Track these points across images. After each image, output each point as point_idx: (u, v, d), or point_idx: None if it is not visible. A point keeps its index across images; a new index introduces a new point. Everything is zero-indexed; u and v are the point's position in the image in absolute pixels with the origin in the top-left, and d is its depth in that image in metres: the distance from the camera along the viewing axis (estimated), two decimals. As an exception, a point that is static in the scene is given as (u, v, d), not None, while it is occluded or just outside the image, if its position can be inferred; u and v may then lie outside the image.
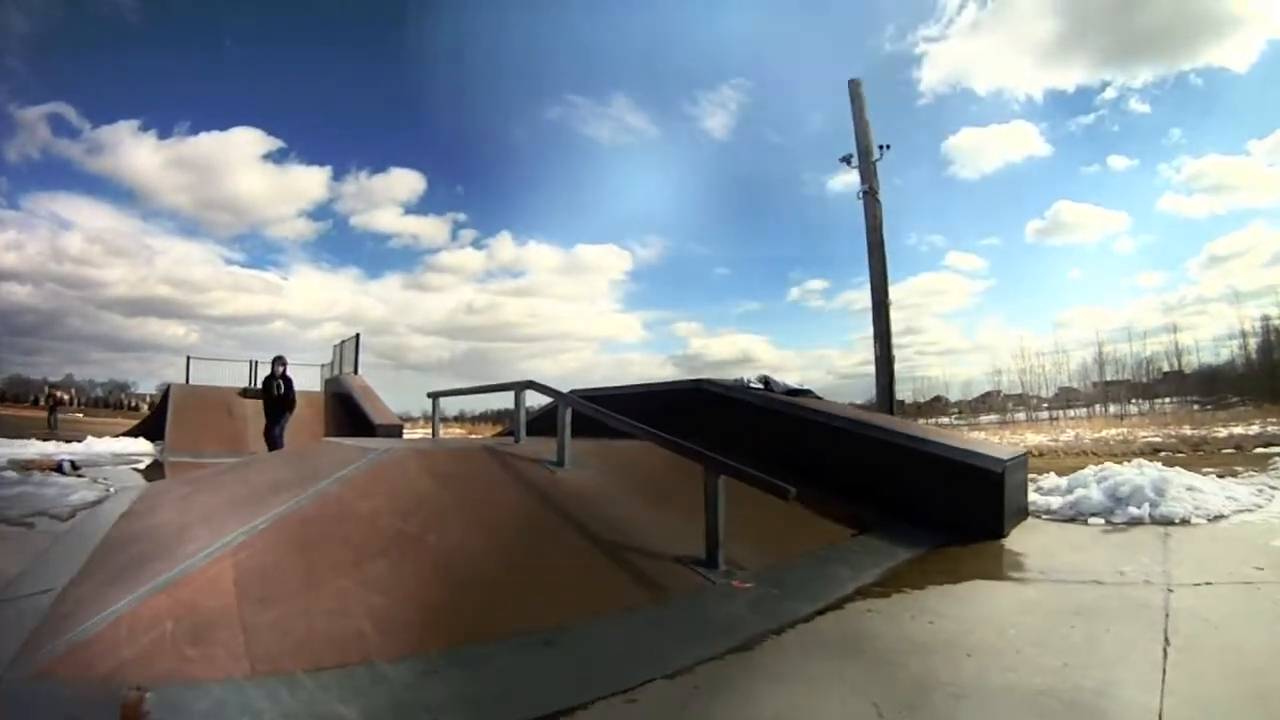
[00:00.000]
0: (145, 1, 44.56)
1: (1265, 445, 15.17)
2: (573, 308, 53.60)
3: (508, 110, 52.62)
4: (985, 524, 6.96)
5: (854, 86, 19.68)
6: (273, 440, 13.61)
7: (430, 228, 49.54)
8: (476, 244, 53.00)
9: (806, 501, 6.74)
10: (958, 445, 7.77)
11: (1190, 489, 7.50)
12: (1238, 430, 18.22)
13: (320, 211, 51.77)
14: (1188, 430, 19.29)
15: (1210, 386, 31.51)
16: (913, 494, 7.46)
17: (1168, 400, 31.53)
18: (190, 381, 23.65)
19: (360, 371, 24.97)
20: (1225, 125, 45.19)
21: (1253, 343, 31.93)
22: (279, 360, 14.16)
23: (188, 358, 25.07)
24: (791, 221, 55.40)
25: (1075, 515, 7.51)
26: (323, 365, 28.61)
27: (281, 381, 14.00)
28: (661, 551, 5.46)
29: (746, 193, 56.93)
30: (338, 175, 53.28)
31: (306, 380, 26.65)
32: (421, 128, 55.01)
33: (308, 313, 52.04)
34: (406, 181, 50.59)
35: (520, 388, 8.34)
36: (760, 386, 9.87)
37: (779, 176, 55.75)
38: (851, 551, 6.40)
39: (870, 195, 19.02)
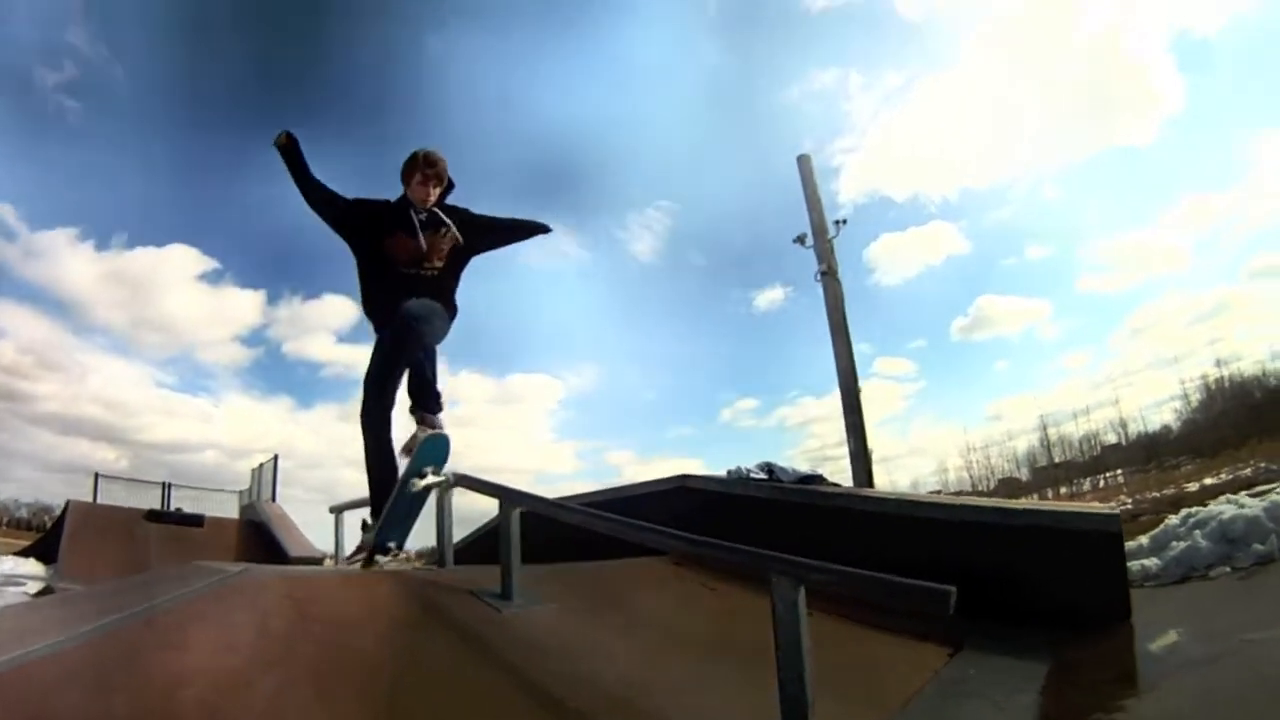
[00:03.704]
0: (87, 104, 43.68)
1: (1247, 487, 14.52)
2: (507, 439, 52.00)
3: None
4: (1106, 604, 5.24)
5: (803, 163, 19.20)
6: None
7: (364, 357, 47.62)
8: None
9: (861, 618, 5.12)
10: (1049, 509, 6.50)
11: None
12: (1209, 481, 17.83)
13: (253, 337, 51.41)
14: (1155, 494, 18.79)
15: (1151, 452, 31.52)
16: (1001, 582, 5.97)
17: (1118, 472, 31.39)
18: (99, 501, 21.82)
19: (280, 499, 23.77)
20: (1136, 200, 47.84)
21: (1195, 399, 32.91)
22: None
23: (95, 475, 23.29)
24: (719, 341, 56.32)
25: (1187, 573, 6.24)
26: (240, 491, 26.66)
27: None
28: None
29: (674, 315, 57.82)
30: (272, 299, 51.93)
31: (222, 508, 25.34)
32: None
33: (238, 442, 50.32)
34: (339, 308, 49.46)
35: (446, 486, 6.22)
36: (764, 476, 8.07)
37: (706, 297, 56.79)
38: (970, 682, 4.48)
39: (829, 275, 18.20)
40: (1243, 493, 10.18)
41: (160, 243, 45.92)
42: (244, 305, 49.53)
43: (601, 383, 55.00)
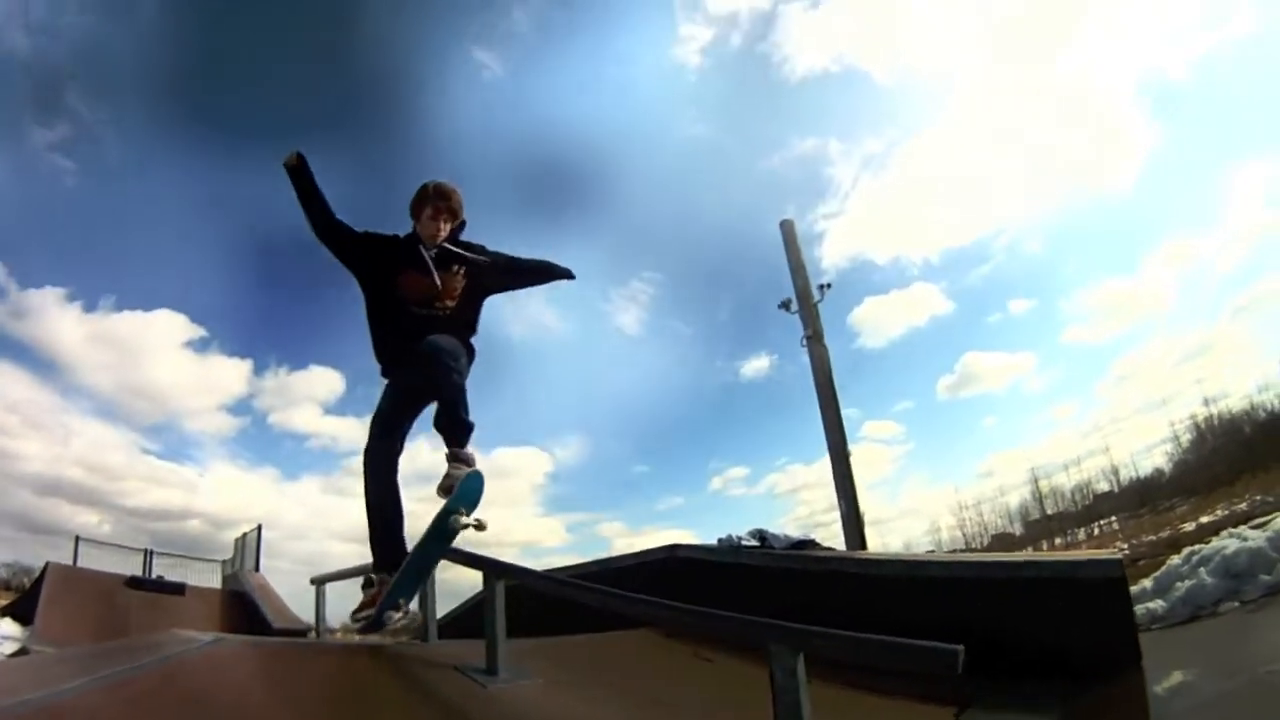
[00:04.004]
0: (82, 165, 44.34)
1: (1245, 521, 14.42)
2: (494, 513, 50.80)
3: None
4: (1114, 651, 5.05)
5: (786, 227, 19.32)
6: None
7: (350, 429, 47.73)
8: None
9: (862, 683, 4.85)
10: (1050, 559, 6.35)
11: None
12: (1205, 520, 17.85)
13: (240, 407, 50.29)
14: (1152, 537, 18.66)
15: (1144, 497, 31.35)
16: (1005, 636, 5.81)
17: (1112, 519, 31.15)
18: (79, 564, 21.05)
19: (264, 570, 23.38)
20: (1115, 247, 48.61)
21: (1185, 440, 32.83)
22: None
23: (76, 538, 22.68)
24: (708, 411, 56.07)
25: (1195, 611, 6.14)
26: (223, 561, 26.27)
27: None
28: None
29: (662, 385, 57.52)
30: (258, 370, 51.55)
31: (204, 577, 24.95)
32: (341, 325, 53.92)
33: (223, 512, 49.06)
34: (326, 380, 49.20)
35: (479, 529, 5.90)
36: (755, 544, 7.89)
37: (693, 366, 56.73)
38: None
39: (814, 340, 18.16)
40: (1242, 526, 10.11)
41: (148, 307, 45.92)
42: (231, 374, 49.29)
43: (590, 455, 54.75)
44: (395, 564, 4.38)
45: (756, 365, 52.29)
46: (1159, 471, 33.18)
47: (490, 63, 49.16)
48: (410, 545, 4.54)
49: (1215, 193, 49.14)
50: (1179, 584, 6.70)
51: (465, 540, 4.66)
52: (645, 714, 4.57)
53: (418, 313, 4.51)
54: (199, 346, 48.55)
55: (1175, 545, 15.05)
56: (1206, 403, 32.26)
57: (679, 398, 58.64)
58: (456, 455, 4.41)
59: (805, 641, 3.18)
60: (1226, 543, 7.00)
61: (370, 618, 4.34)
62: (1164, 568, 7.34)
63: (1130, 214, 48.43)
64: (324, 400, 51.08)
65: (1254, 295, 41.14)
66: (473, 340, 4.73)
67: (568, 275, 5.12)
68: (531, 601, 5.15)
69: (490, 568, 5.02)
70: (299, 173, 4.42)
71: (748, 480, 53.58)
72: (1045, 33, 50.52)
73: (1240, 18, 43.93)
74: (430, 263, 4.55)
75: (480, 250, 4.76)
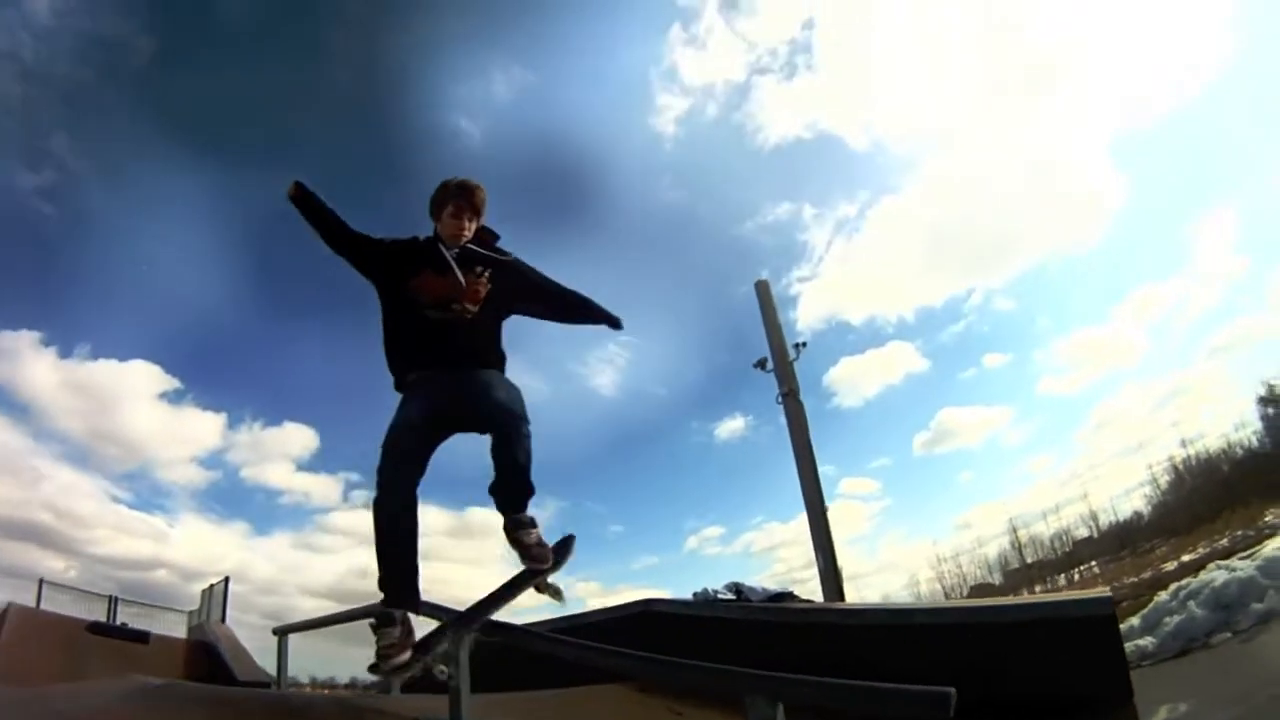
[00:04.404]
0: (62, 208, 44.64)
1: (1226, 558, 14.43)
2: (466, 572, 50.50)
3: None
4: (1106, 688, 5.02)
5: (761, 288, 19.10)
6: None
7: (322, 486, 47.14)
8: (368, 505, 48.06)
9: None
10: (1039, 600, 6.22)
11: None
12: (1186, 558, 17.82)
13: (212, 460, 49.48)
14: (1133, 578, 18.60)
15: (1124, 540, 31.35)
16: (996, 680, 5.65)
17: (1092, 564, 31.06)
18: (42, 607, 20.47)
19: (232, 623, 22.75)
20: (1087, 300, 49.45)
21: (1163, 482, 32.94)
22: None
23: (40, 580, 22.11)
24: (683, 471, 55.97)
25: (1186, 645, 6.04)
26: (189, 612, 25.57)
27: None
28: None
29: (637, 446, 57.32)
30: (232, 423, 50.93)
31: (170, 628, 23.99)
32: (315, 382, 55.59)
33: (192, 564, 47.96)
34: (299, 437, 48.63)
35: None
36: (732, 597, 7.62)
37: (668, 428, 56.56)
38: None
39: (790, 397, 17.83)
40: (1231, 559, 10.05)
41: (124, 356, 45.55)
42: (204, 427, 48.95)
43: (565, 516, 54.52)
44: (409, 602, 3.80)
45: (732, 426, 52.57)
46: (1138, 514, 33.31)
47: (470, 129, 49.60)
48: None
49: (1182, 242, 50.39)
50: (1168, 619, 6.62)
51: (437, 599, 4.33)
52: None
53: (434, 316, 3.98)
54: (173, 398, 48.48)
55: (1158, 585, 14.96)
56: (1183, 444, 32.60)
57: (655, 459, 58.65)
58: (521, 522, 4.04)
59: (782, 690, 3.02)
60: (1215, 575, 6.94)
61: (405, 664, 3.61)
62: (1151, 604, 7.26)
63: (1100, 266, 49.46)
64: (297, 456, 50.82)
65: (1224, 338, 41.95)
66: (501, 348, 4.24)
67: (613, 322, 4.51)
68: (500, 655, 4.78)
69: (455, 618, 4.52)
70: (303, 200, 4.06)
71: (724, 539, 53.61)
72: (1014, 96, 51.92)
73: (1202, 72, 45.64)
74: (451, 261, 4.07)
75: (514, 260, 4.30)
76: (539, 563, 3.98)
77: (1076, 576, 30.68)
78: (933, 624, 6.11)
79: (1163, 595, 7.32)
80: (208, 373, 54.44)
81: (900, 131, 59.31)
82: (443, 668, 3.84)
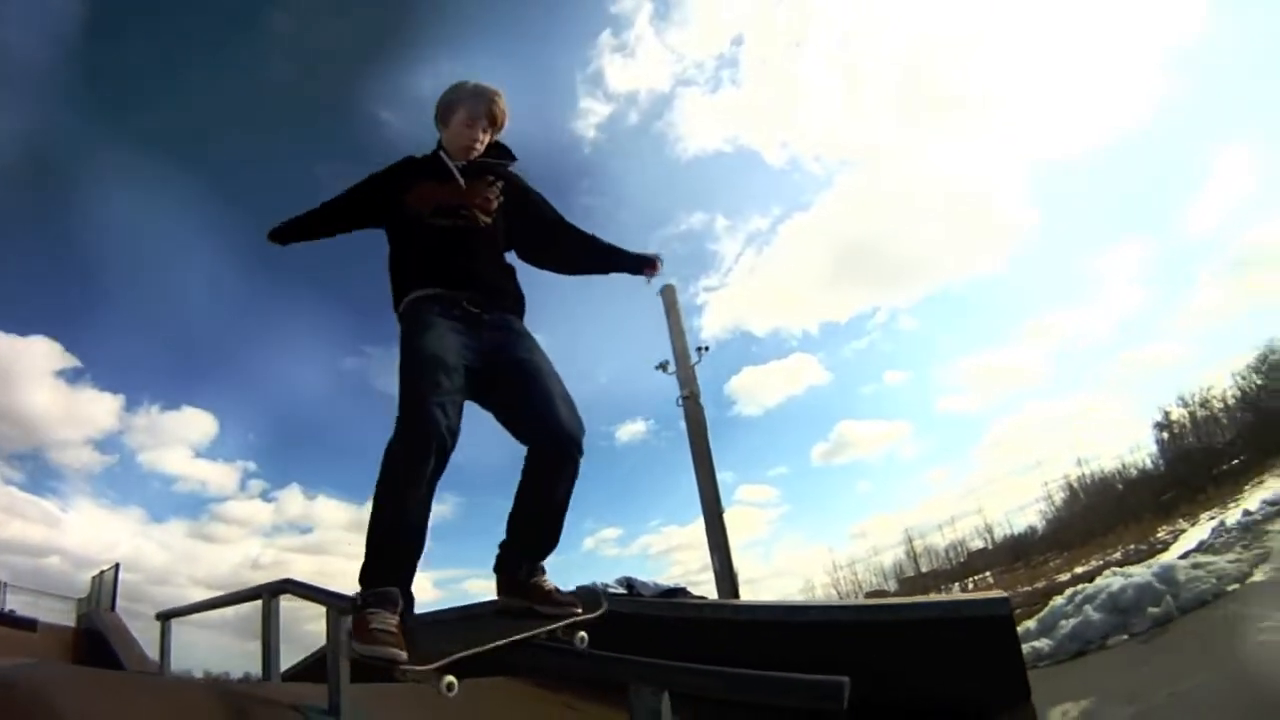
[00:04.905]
0: None
1: (1121, 565, 14.90)
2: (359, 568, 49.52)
3: (306, 358, 49.06)
4: (1003, 688, 4.98)
5: (667, 292, 19.05)
6: None
7: (219, 474, 45.35)
8: (265, 495, 47.06)
9: None
10: (936, 600, 6.13)
11: (1195, 565, 6.45)
12: (1079, 570, 18.39)
13: (108, 443, 47.01)
14: (1027, 588, 19.01)
15: (1018, 552, 32.07)
16: (893, 679, 5.51)
17: (987, 574, 31.70)
18: None
19: (123, 613, 21.84)
20: (990, 323, 50.82)
21: (1058, 498, 33.50)
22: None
23: None
24: (583, 472, 55.97)
25: (1083, 647, 6.09)
26: (79, 599, 24.45)
27: None
28: None
29: None
30: (130, 406, 48.67)
31: (60, 615, 23.23)
32: (218, 368, 53.74)
33: (85, 551, 45.33)
34: (199, 423, 46.64)
35: (272, 591, 5.42)
36: (624, 591, 7.29)
37: None
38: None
39: (691, 400, 17.93)
40: (1126, 566, 10.25)
41: (24, 331, 43.38)
42: (102, 409, 46.51)
43: (462, 512, 53.74)
44: (398, 582, 2.72)
45: (633, 429, 52.54)
46: (1032, 529, 34.00)
47: (391, 120, 48.82)
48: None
49: (1086, 273, 52.17)
50: (1064, 622, 6.73)
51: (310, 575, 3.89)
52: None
53: (439, 224, 3.17)
54: (71, 377, 46.20)
55: (1051, 595, 15.28)
56: (1079, 463, 33.38)
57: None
58: (539, 570, 3.21)
59: (668, 679, 2.79)
60: (1112, 580, 7.08)
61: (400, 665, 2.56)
62: (1047, 608, 7.31)
63: (1005, 291, 50.85)
64: (195, 443, 48.57)
65: (1122, 366, 43.56)
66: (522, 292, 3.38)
67: (649, 263, 3.63)
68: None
69: (335, 602, 4.38)
70: (288, 238, 3.42)
71: (621, 540, 53.53)
72: (932, 124, 53.12)
73: (1125, 115, 47.56)
74: (454, 169, 3.30)
75: (522, 181, 3.51)
76: (569, 606, 3.12)
77: (971, 585, 31.23)
78: (827, 621, 5.98)
79: (1059, 600, 7.41)
80: (109, 352, 52.00)
81: (817, 151, 60.36)
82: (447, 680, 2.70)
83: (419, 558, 2.85)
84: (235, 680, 5.53)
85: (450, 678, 2.71)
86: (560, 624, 3.07)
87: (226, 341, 50.79)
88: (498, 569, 3.16)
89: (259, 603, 5.58)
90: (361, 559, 2.80)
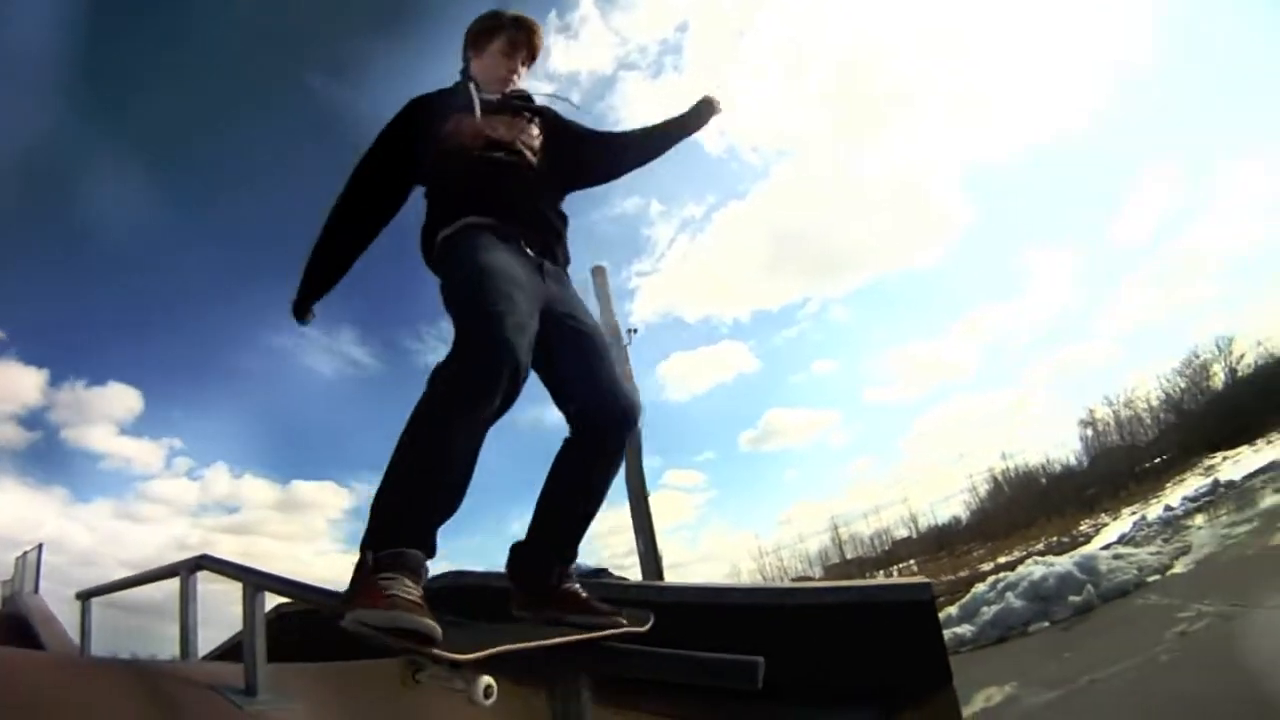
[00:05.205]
0: None
1: (1044, 555, 15.20)
2: (289, 548, 48.70)
3: (235, 335, 47.98)
4: (924, 673, 4.97)
5: (597, 274, 18.61)
6: None
7: (145, 452, 44.36)
8: (191, 474, 44.71)
9: (657, 709, 4.24)
10: (857, 585, 6.08)
11: (1116, 556, 6.58)
12: (1002, 560, 18.74)
13: (32, 419, 45.35)
14: (950, 576, 19.28)
15: (942, 542, 32.66)
16: (812, 663, 5.47)
17: (911, 562, 32.23)
18: None
19: (47, 595, 21.35)
20: (922, 316, 51.50)
21: (983, 490, 34.07)
22: None
23: None
24: (511, 454, 55.60)
25: (1004, 633, 6.15)
26: (2, 581, 24.03)
27: None
28: None
29: None
30: (55, 381, 46.90)
31: None
32: (145, 345, 50.46)
33: (8, 531, 44.37)
34: (125, 399, 45.48)
35: (190, 569, 5.26)
36: None
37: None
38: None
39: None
40: (1048, 556, 10.43)
41: None
42: (26, 383, 44.84)
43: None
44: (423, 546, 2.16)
45: (559, 413, 52.65)
46: (956, 519, 34.63)
47: (321, 88, 47.84)
48: None
49: (1020, 270, 53.22)
50: (986, 609, 6.78)
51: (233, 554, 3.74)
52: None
53: (485, 155, 2.66)
54: None
55: (973, 583, 15.51)
56: (1004, 457, 34.05)
57: (485, 441, 58.80)
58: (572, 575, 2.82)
59: (585, 660, 2.62)
60: (1034, 569, 7.24)
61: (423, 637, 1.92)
62: (969, 594, 7.41)
63: (938, 285, 51.60)
64: (121, 419, 47.34)
65: (1051, 364, 44.50)
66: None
67: (710, 106, 3.20)
68: (302, 623, 4.83)
69: (250, 579, 4.47)
70: (316, 295, 2.79)
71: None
72: (873, 117, 53.63)
73: (1066, 116, 48.57)
74: (490, 101, 2.83)
75: (554, 112, 3.05)
76: (612, 618, 2.64)
77: (895, 573, 31.76)
78: (750, 604, 5.88)
79: (981, 587, 7.51)
80: (33, 322, 50.26)
81: (756, 140, 60.49)
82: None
83: (446, 519, 2.24)
84: (154, 661, 5.42)
85: (489, 679, 2.10)
86: (603, 636, 2.55)
87: (153, 316, 49.51)
88: (517, 575, 2.69)
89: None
90: (374, 508, 2.17)
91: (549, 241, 2.68)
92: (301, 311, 2.78)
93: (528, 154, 2.76)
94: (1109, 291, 49.26)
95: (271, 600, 5.28)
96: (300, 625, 4.38)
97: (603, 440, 2.65)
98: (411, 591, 1.97)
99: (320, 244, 2.72)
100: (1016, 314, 47.27)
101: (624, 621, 2.62)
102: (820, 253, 53.52)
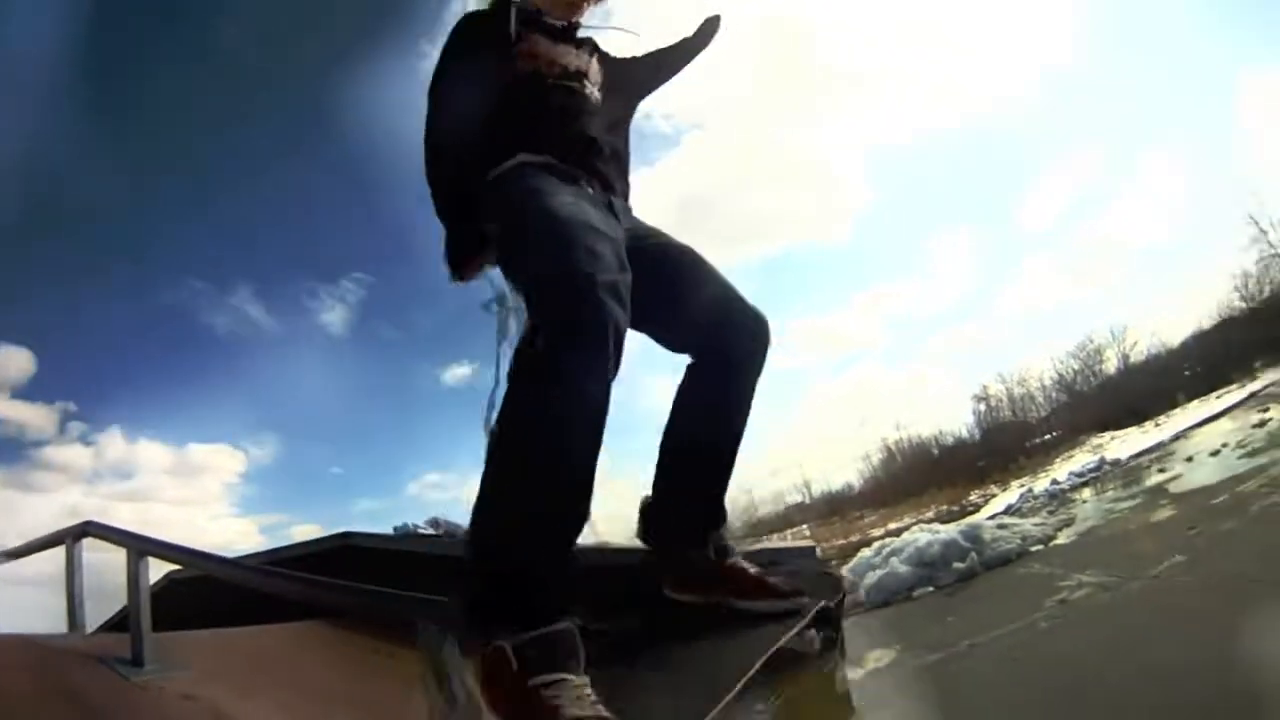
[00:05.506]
0: None
1: (932, 524, 15.70)
2: (184, 513, 47.23)
3: (126, 291, 46.24)
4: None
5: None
6: None
7: (38, 417, 41.99)
8: (85, 439, 44.33)
9: None
10: (747, 550, 6.08)
11: (1001, 526, 6.87)
12: (893, 526, 19.16)
13: None
14: (842, 540, 19.76)
15: (834, 507, 33.44)
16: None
17: (803, 526, 32.98)
18: None
19: None
20: (826, 289, 52.22)
21: (876, 459, 34.62)
22: None
23: None
24: (408, 415, 55.33)
25: (889, 598, 6.38)
26: None
27: None
28: None
29: (363, 388, 55.95)
30: None
31: None
32: (33, 301, 47.39)
33: None
34: (16, 360, 42.93)
35: (75, 536, 5.04)
36: (432, 531, 6.73)
37: (396, 372, 55.62)
38: None
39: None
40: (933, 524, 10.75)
41: None
42: None
43: (286, 456, 51.66)
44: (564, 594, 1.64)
45: (458, 373, 52.00)
46: (849, 486, 35.45)
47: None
48: None
49: (923, 250, 54.42)
50: (871, 574, 6.98)
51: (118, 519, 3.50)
52: (309, 708, 4.16)
53: (557, 83, 2.38)
54: None
55: (863, 548, 15.95)
56: (898, 427, 34.97)
57: (380, 401, 57.62)
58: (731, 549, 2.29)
59: (455, 617, 2.46)
60: (919, 536, 7.52)
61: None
62: (855, 559, 7.60)
63: (843, 260, 52.37)
64: (13, 382, 44.91)
65: (948, 341, 45.75)
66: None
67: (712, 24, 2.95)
68: (205, 595, 4.65)
69: (134, 544, 4.28)
70: (472, 248, 2.42)
71: (443, 486, 53.06)
72: (788, 93, 53.91)
73: (976, 101, 49.67)
74: (559, 28, 2.50)
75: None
76: (797, 597, 2.14)
77: (789, 537, 32.49)
78: (628, 565, 5.83)
79: (866, 552, 7.73)
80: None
81: (668, 109, 60.42)
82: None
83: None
84: (39, 635, 5.19)
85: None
86: (798, 621, 2.06)
87: (42, 272, 47.19)
88: (660, 543, 2.29)
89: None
90: (487, 571, 1.68)
91: (612, 177, 2.41)
92: (457, 274, 2.51)
93: (594, 89, 2.49)
94: (1009, 274, 50.94)
95: (166, 567, 5.14)
96: (192, 592, 4.22)
97: (742, 364, 2.31)
98: (584, 693, 1.43)
99: (444, 192, 2.37)
100: (919, 291, 48.49)
101: (808, 601, 2.14)
102: (727, 223, 53.70)
